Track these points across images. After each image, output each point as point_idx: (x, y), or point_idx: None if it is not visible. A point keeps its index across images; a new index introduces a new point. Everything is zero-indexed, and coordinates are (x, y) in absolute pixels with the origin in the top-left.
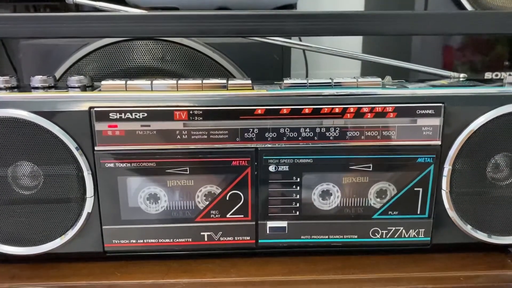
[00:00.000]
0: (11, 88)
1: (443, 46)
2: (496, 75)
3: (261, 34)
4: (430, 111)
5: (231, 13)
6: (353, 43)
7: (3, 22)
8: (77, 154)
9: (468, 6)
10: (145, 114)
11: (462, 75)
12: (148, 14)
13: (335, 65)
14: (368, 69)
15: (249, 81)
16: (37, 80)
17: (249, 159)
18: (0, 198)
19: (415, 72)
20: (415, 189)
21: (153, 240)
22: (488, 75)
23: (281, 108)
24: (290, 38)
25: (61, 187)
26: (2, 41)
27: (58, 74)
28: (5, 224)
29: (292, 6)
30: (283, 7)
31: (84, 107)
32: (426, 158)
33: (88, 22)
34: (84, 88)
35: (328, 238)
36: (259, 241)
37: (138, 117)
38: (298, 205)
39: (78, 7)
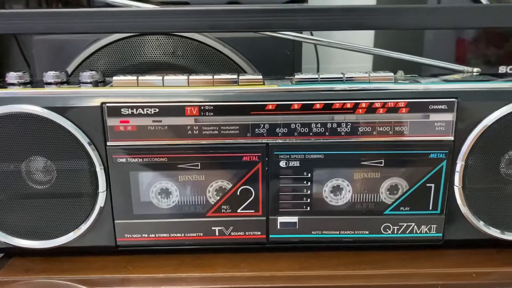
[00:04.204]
0: (24, 84)
1: (457, 40)
2: (511, 69)
3: (272, 29)
4: (443, 106)
5: (242, 7)
6: (365, 38)
7: (16, 18)
8: (89, 149)
9: (484, 0)
10: (157, 110)
11: (475, 69)
12: (159, 9)
13: (346, 60)
14: (380, 63)
15: (260, 76)
16: (49, 75)
17: (260, 154)
18: (15, 193)
19: (427, 67)
20: (427, 185)
21: (164, 235)
22: (502, 69)
23: (292, 104)
24: (301, 33)
25: (74, 182)
26: (16, 37)
27: (70, 69)
28: (20, 218)
29: (303, 0)
30: (294, 1)
31: (96, 102)
32: (438, 154)
33: (99, 17)
34: (96, 84)
35: (339, 233)
36: (270, 236)
37: (149, 113)
38: (309, 200)
39: (90, 3)
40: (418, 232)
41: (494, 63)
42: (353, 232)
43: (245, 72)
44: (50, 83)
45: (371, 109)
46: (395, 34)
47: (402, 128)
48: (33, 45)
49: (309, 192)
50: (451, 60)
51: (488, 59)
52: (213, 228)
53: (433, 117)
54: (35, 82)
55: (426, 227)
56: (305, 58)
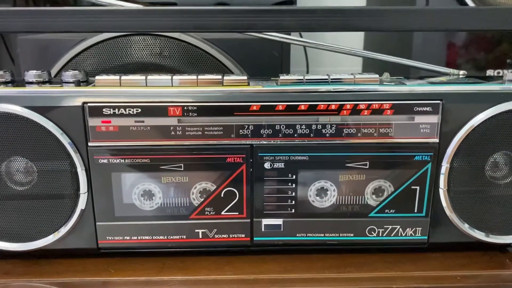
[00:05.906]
0: (5, 83)
1: (446, 43)
2: (498, 73)
3: (257, 29)
4: (428, 108)
5: (228, 8)
6: (355, 40)
7: None
8: (70, 150)
9: (470, 3)
10: (139, 110)
11: (461, 72)
12: (145, 9)
13: (336, 62)
14: (370, 66)
15: (245, 77)
16: (31, 75)
17: (244, 156)
18: None
19: (416, 70)
20: (412, 187)
21: (147, 237)
22: (489, 72)
23: (276, 105)
24: (289, 34)
25: (54, 183)
26: (2, 35)
27: (55, 69)
28: None
29: (292, 2)
30: (282, 3)
31: (78, 102)
32: (423, 156)
33: (84, 16)
34: (78, 83)
35: (324, 236)
36: (254, 238)
37: (132, 113)
38: (293, 202)
39: (76, 1)
40: (403, 235)
41: (483, 68)
42: (338, 235)
43: (232, 73)
44: (31, 83)
45: (356, 111)
46: (384, 38)
47: (387, 130)
48: (18, 45)
49: (293, 194)
50: (441, 65)
51: (477, 63)
52: (196, 230)
53: (418, 119)
54: (16, 81)
55: (411, 230)
56: (295, 61)
